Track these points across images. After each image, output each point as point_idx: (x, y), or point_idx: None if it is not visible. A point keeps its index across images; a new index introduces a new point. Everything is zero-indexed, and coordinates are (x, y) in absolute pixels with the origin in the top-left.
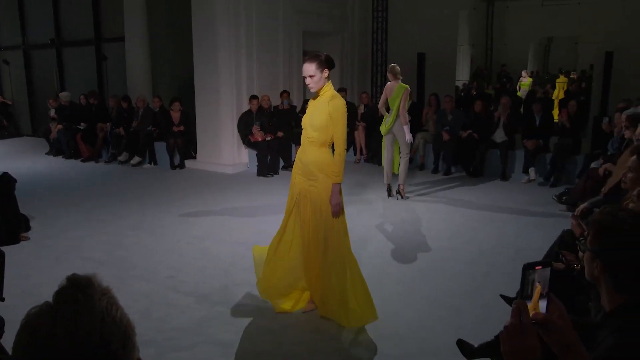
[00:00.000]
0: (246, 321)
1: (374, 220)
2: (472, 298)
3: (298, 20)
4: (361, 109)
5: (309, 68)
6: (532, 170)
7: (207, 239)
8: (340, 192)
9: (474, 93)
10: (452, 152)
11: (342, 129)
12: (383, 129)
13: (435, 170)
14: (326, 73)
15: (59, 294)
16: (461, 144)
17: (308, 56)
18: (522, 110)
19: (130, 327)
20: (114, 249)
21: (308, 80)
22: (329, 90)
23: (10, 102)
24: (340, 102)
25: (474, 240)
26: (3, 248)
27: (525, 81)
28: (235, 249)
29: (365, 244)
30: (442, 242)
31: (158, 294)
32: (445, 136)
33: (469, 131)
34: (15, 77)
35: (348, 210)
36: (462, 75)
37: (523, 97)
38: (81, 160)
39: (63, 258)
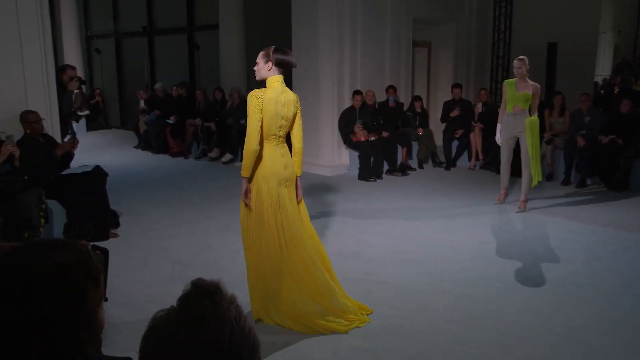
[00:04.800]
0: (340, 339)
1: (489, 235)
2: (615, 334)
3: (407, 7)
4: (478, 108)
5: (258, 55)
6: None
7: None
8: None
9: (617, 90)
10: (589, 161)
11: (248, 123)
12: None
13: (566, 182)
14: (269, 66)
15: (185, 299)
16: (600, 151)
17: None
18: None
19: (257, 340)
20: (201, 251)
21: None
22: (267, 85)
23: (102, 106)
24: (248, 97)
25: (616, 266)
26: (93, 244)
27: None
28: (332, 260)
29: (480, 263)
30: (575, 266)
31: (246, 302)
32: (581, 141)
33: (611, 136)
34: (105, 67)
35: (460, 223)
36: (603, 69)
37: None
38: (170, 156)
39: (150, 259)
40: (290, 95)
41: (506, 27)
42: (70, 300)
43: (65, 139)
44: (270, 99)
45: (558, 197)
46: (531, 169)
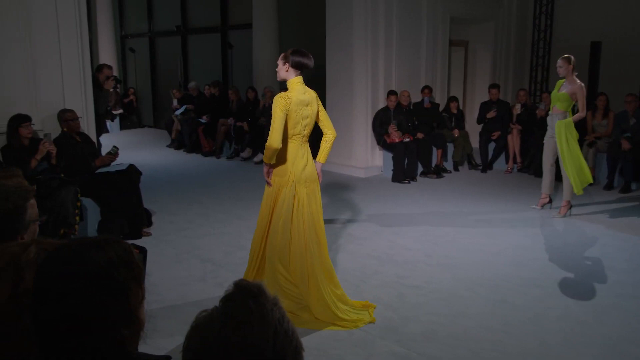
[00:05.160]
0: (374, 344)
1: (528, 241)
2: None
3: (444, 5)
4: (517, 109)
5: (279, 57)
6: None
7: (334, 249)
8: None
9: None
10: (633, 165)
11: (273, 121)
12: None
13: (609, 186)
14: (286, 67)
15: (229, 300)
16: None
17: None
18: None
19: (300, 344)
20: (233, 251)
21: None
22: (289, 87)
23: (135, 105)
24: (275, 98)
25: None
26: (131, 242)
27: None
28: (365, 263)
29: (518, 269)
30: (619, 275)
31: None
32: (625, 144)
33: None
34: (140, 66)
35: (496, 227)
36: None
37: None
38: (202, 155)
39: (182, 257)
40: (312, 94)
41: (547, 25)
42: (113, 298)
43: (100, 138)
44: (297, 102)
45: (600, 202)
46: (568, 176)
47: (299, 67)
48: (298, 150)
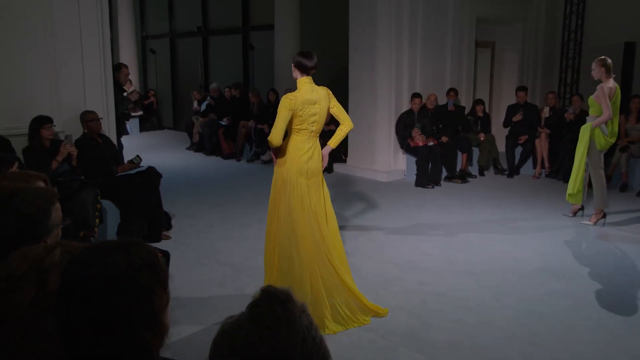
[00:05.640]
0: (395, 352)
1: (557, 248)
2: None
3: (470, 6)
4: (545, 112)
5: None
6: None
7: (355, 254)
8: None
9: None
10: None
11: (276, 120)
12: (604, 142)
13: None
14: (293, 68)
15: (256, 306)
16: None
17: None
18: None
19: (328, 351)
20: (253, 254)
21: None
22: (297, 86)
23: (156, 107)
24: (282, 98)
25: None
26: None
27: None
28: (387, 269)
29: (546, 277)
30: None
31: None
32: None
33: None
34: (160, 67)
35: (523, 234)
36: None
37: None
38: (222, 157)
39: (202, 261)
40: (320, 93)
41: (577, 25)
42: (137, 302)
43: (121, 139)
44: (303, 102)
45: (633, 210)
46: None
47: (300, 67)
48: (304, 144)
